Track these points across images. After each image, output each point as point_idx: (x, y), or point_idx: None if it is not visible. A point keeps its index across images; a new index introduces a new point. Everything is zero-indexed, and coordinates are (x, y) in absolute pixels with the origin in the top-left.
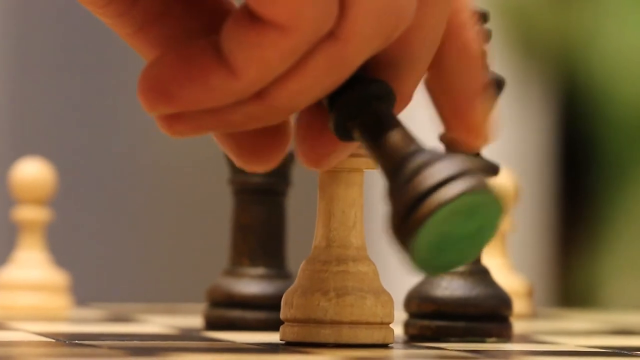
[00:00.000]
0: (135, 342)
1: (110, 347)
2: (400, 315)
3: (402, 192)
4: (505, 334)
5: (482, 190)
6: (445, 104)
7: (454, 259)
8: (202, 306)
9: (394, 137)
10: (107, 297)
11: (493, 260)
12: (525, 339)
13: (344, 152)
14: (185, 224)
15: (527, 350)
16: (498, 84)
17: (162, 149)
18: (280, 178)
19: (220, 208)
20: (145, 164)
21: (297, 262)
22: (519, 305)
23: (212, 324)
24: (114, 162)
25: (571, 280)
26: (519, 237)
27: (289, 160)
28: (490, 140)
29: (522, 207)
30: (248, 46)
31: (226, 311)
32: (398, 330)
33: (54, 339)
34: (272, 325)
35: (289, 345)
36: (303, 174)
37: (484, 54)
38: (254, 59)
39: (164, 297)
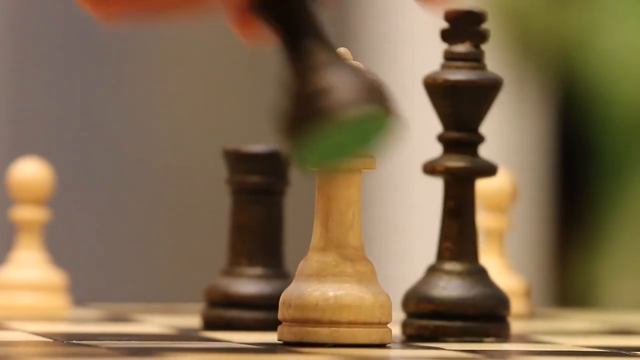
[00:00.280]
0: (134, 342)
1: (109, 347)
2: (398, 316)
3: (300, 88)
4: (503, 334)
5: (377, 102)
6: None
7: (339, 155)
8: (200, 306)
9: (310, 39)
10: (105, 297)
11: (491, 260)
12: (523, 339)
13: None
14: (183, 223)
15: (525, 350)
16: (496, 84)
17: (160, 149)
18: (278, 178)
19: (218, 208)
20: (143, 164)
21: (295, 262)
22: (516, 305)
23: (210, 323)
24: (112, 162)
25: (569, 280)
26: (517, 237)
27: (286, 160)
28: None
29: (520, 207)
30: None
31: (224, 311)
32: (396, 330)
33: (52, 339)
34: (270, 326)
35: (287, 346)
36: (301, 174)
37: None
38: None
39: (162, 297)
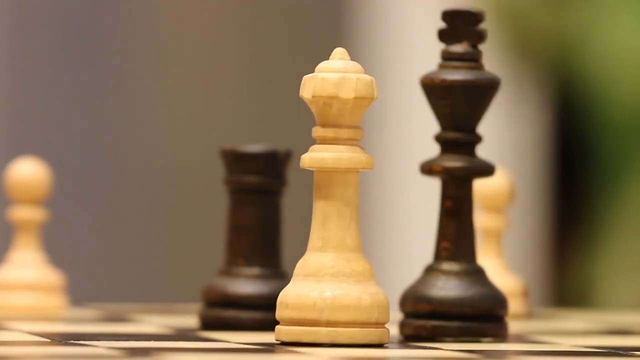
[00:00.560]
0: (131, 342)
1: (106, 347)
2: (395, 316)
3: None
4: (500, 334)
5: None
6: None
7: None
8: (198, 306)
9: None
10: (103, 297)
11: (489, 260)
12: (520, 339)
13: None
14: (180, 223)
15: (522, 350)
16: (494, 84)
17: (157, 149)
18: (275, 178)
19: (215, 208)
20: (141, 164)
21: (293, 262)
22: (514, 305)
23: (208, 324)
24: (109, 162)
25: (567, 280)
26: (515, 237)
27: (284, 159)
28: None
29: (517, 207)
30: None
31: (221, 311)
32: (393, 330)
33: (49, 339)
34: (268, 326)
35: (285, 346)
36: (299, 174)
37: None
38: None
39: (159, 297)
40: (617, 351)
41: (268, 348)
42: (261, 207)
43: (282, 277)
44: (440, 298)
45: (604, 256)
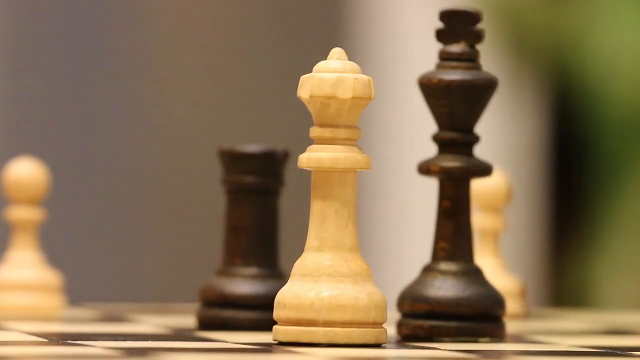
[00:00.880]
0: (129, 342)
1: (104, 347)
2: (393, 315)
3: None
4: (498, 333)
5: None
6: None
7: None
8: (195, 306)
9: None
10: (100, 297)
11: (486, 260)
12: (518, 338)
13: None
14: (178, 223)
15: (520, 350)
16: (491, 84)
17: (155, 149)
18: (273, 178)
19: (213, 208)
20: (138, 164)
21: (290, 262)
22: (512, 305)
23: (205, 323)
24: (107, 162)
25: (564, 280)
26: (512, 236)
27: (282, 159)
28: None
29: (515, 206)
30: None
31: (219, 311)
32: (391, 330)
33: (47, 338)
34: (265, 326)
35: (282, 346)
36: (296, 174)
37: None
38: None
39: (157, 297)
40: (615, 351)
41: (265, 348)
42: (259, 207)
43: (279, 277)
44: (437, 298)
45: (602, 256)
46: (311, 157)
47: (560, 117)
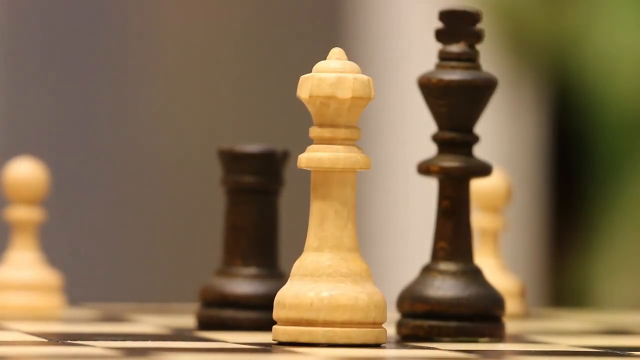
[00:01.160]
0: (128, 342)
1: (103, 347)
2: (392, 315)
3: None
4: (497, 334)
5: None
6: None
7: None
8: (195, 306)
9: None
10: (100, 297)
11: (485, 260)
12: (517, 339)
13: None
14: (177, 223)
15: (519, 350)
16: (491, 84)
17: (154, 149)
18: (272, 178)
19: (212, 208)
20: (138, 164)
21: (290, 262)
22: (511, 305)
23: (205, 323)
24: (106, 162)
25: (564, 280)
26: (512, 237)
27: (281, 159)
28: None
29: (514, 206)
30: None
31: (219, 311)
32: (390, 330)
33: (46, 338)
34: (265, 326)
35: (282, 346)
36: (296, 174)
37: None
38: None
39: (156, 297)
40: (614, 351)
41: (265, 348)
42: (258, 207)
43: (279, 277)
44: (437, 298)
45: (601, 256)
46: (311, 157)
47: (559, 117)
